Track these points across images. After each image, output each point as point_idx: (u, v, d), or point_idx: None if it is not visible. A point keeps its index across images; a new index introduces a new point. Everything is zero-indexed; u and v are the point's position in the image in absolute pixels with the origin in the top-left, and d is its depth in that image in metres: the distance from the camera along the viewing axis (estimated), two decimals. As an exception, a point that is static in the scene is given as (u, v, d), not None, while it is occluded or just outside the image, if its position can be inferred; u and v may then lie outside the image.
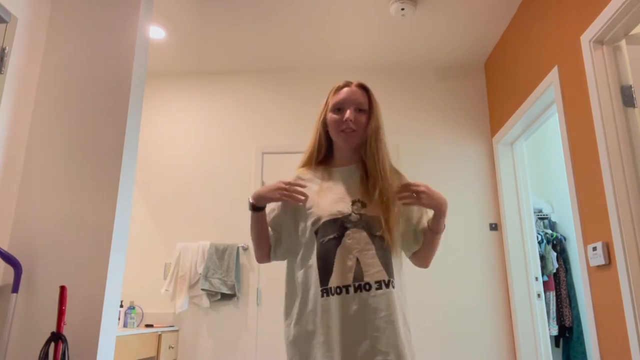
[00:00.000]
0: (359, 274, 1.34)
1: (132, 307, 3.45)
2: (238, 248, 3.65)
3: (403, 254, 1.52)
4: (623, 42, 2.26)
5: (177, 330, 3.57)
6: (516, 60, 3.34)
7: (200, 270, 3.59)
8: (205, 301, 3.56)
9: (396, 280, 1.39)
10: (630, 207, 2.10)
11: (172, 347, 3.45)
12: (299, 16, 3.39)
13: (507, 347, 3.44)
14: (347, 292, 1.34)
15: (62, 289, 2.03)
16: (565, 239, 4.25)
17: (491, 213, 3.69)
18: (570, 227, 4.21)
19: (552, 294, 4.00)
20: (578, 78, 2.46)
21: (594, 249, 2.29)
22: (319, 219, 1.41)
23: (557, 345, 4.08)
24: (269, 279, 3.64)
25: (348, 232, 1.38)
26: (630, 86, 2.20)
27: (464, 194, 3.75)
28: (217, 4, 3.26)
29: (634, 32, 2.23)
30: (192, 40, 3.70)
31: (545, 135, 4.39)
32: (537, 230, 4.10)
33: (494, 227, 3.66)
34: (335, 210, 1.40)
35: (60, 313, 2.00)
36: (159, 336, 3.26)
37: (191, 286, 3.60)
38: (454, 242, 3.64)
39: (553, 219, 4.41)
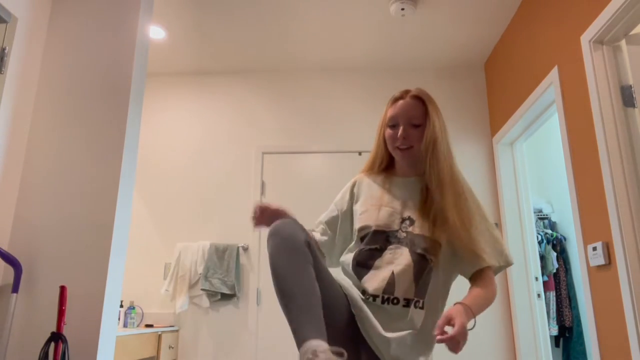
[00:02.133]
0: (390, 287, 1.34)
1: (132, 307, 3.45)
2: (238, 248, 3.65)
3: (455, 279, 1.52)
4: (623, 42, 2.26)
5: (177, 330, 3.57)
6: (516, 60, 3.34)
7: (200, 270, 3.59)
8: (205, 301, 3.56)
9: (428, 302, 1.37)
10: (630, 207, 2.10)
11: (172, 347, 3.45)
12: (299, 16, 3.39)
13: (507, 347, 3.44)
14: (374, 300, 1.34)
15: (62, 289, 2.03)
16: (565, 239, 4.25)
17: (491, 213, 3.69)
18: (570, 227, 4.21)
19: (552, 294, 4.00)
20: (578, 78, 2.46)
21: (594, 249, 2.29)
22: (367, 227, 1.42)
23: (557, 345, 4.08)
24: (269, 279, 3.64)
25: (391, 246, 1.38)
26: (630, 86, 2.20)
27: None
28: (217, 5, 3.25)
29: (634, 32, 2.23)
30: (192, 41, 3.70)
31: (545, 135, 4.39)
32: (537, 230, 4.10)
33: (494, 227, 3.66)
34: (383, 223, 1.41)
35: (60, 313, 2.00)
36: (159, 336, 3.26)
37: (191, 286, 3.60)
38: (454, 242, 3.63)
39: (553, 219, 4.41)
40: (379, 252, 1.39)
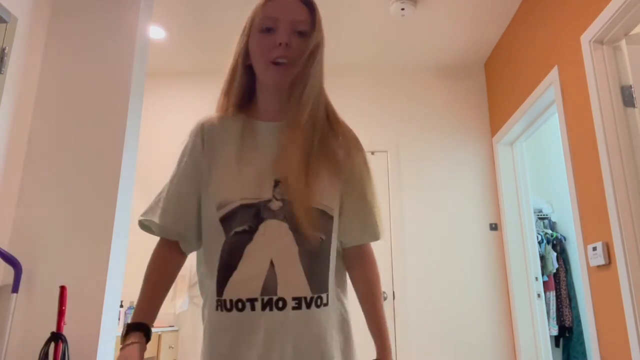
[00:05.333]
0: (271, 284, 0.93)
1: (132, 307, 3.45)
2: (238, 248, 3.65)
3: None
4: (623, 42, 2.26)
5: (177, 330, 3.57)
6: (516, 60, 3.34)
7: (200, 270, 3.59)
8: (205, 301, 3.55)
9: (332, 295, 0.99)
10: (630, 207, 2.10)
11: (172, 347, 3.44)
12: (299, 16, 3.39)
13: (507, 347, 3.44)
14: (253, 308, 0.93)
15: (62, 289, 2.03)
16: (565, 239, 4.25)
17: (491, 213, 3.69)
18: (570, 227, 4.21)
19: (552, 294, 4.00)
20: (578, 78, 2.46)
21: (594, 249, 2.29)
22: (227, 202, 0.97)
23: (557, 345, 4.08)
24: (269, 279, 3.64)
25: (264, 223, 0.95)
26: (630, 86, 2.20)
27: (464, 193, 3.75)
28: (217, 4, 3.25)
29: (634, 32, 2.23)
30: (192, 40, 3.69)
31: (545, 135, 4.39)
32: (537, 230, 4.10)
33: (494, 227, 3.66)
34: (251, 193, 0.96)
35: (60, 313, 2.00)
36: (159, 336, 3.26)
37: (191, 286, 3.60)
38: (454, 242, 3.63)
39: (553, 219, 4.41)
40: (248, 234, 0.95)
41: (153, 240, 1.03)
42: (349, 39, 3.66)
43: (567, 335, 3.98)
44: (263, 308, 0.93)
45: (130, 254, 3.76)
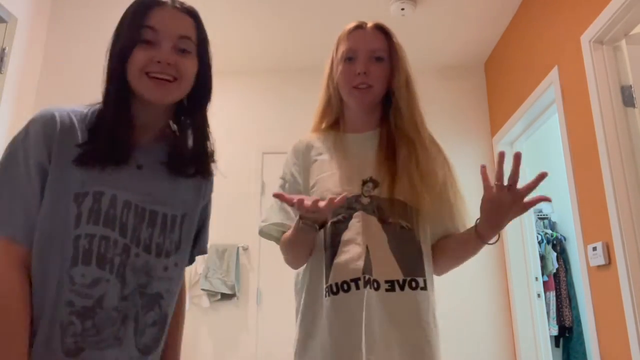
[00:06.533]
0: (368, 266, 1.07)
1: (132, 307, 3.45)
2: (238, 248, 3.65)
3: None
4: (623, 42, 2.26)
5: (177, 330, 3.56)
6: (516, 60, 3.34)
7: (200, 270, 3.59)
8: (205, 301, 3.55)
9: (430, 281, 1.13)
10: (630, 207, 2.10)
11: (172, 347, 3.44)
12: (299, 16, 3.39)
13: (507, 347, 3.44)
14: (358, 287, 1.06)
15: (62, 289, 2.03)
16: (565, 239, 4.25)
17: (491, 213, 3.68)
18: (570, 227, 4.21)
19: (552, 294, 4.00)
20: (578, 78, 2.46)
21: (594, 249, 2.29)
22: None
23: (557, 345, 4.08)
24: (269, 279, 3.64)
25: (356, 214, 1.11)
26: (630, 86, 2.20)
27: (464, 193, 3.74)
28: (217, 4, 3.25)
29: (634, 32, 2.23)
30: (192, 40, 3.69)
31: (545, 135, 4.38)
32: (537, 230, 4.10)
33: (494, 227, 3.66)
34: (342, 188, 1.13)
35: (60, 313, 2.00)
36: (159, 336, 3.26)
37: (191, 286, 3.60)
38: (454, 242, 3.64)
39: (553, 219, 4.40)
40: (343, 223, 1.11)
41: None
42: (349, 39, 3.66)
43: (567, 335, 3.98)
44: (365, 285, 1.06)
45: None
